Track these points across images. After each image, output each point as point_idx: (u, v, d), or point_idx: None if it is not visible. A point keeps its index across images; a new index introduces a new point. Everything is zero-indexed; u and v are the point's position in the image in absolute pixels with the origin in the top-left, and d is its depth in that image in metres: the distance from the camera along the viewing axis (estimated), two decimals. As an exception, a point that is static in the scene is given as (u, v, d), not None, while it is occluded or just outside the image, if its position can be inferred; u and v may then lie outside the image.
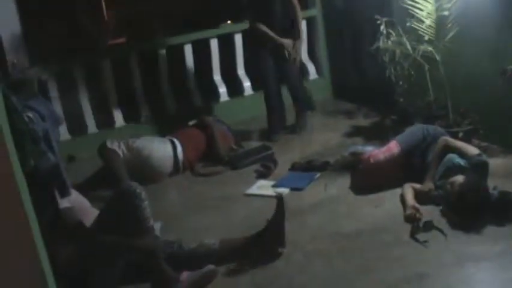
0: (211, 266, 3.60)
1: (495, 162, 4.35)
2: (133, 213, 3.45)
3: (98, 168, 5.34)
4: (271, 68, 6.15)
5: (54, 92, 6.24)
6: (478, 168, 4.06)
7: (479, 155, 4.16)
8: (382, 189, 4.51)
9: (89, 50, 7.36)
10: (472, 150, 4.24)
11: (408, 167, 4.53)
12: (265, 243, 3.81)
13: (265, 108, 6.30)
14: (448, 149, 4.32)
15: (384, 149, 4.66)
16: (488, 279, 3.34)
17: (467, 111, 5.05)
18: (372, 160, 4.60)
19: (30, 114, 3.36)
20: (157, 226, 4.06)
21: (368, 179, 4.62)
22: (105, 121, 6.65)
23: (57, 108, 6.07)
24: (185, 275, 3.53)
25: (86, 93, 6.52)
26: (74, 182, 4.62)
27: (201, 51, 6.91)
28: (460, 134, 4.72)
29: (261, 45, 6.10)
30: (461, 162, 4.17)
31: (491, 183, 4.04)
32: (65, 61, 6.51)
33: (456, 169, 4.14)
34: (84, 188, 4.43)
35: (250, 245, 3.83)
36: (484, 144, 4.75)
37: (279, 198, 3.97)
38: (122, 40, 9.48)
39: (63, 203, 3.44)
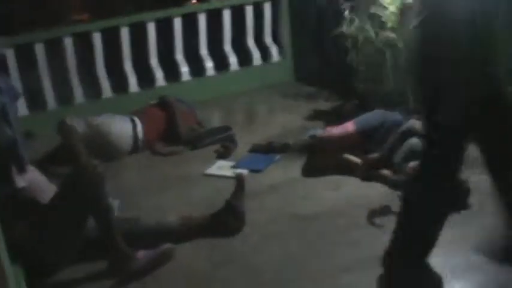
0: (168, 245, 3.60)
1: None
2: (91, 191, 3.43)
3: (57, 144, 5.29)
4: None
5: (13, 67, 6.14)
6: None
7: None
8: (340, 173, 4.55)
9: (51, 25, 7.23)
10: None
11: (365, 152, 4.58)
12: (224, 222, 3.84)
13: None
14: (413, 132, 4.38)
15: (340, 126, 4.74)
16: (438, 264, 3.39)
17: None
18: (325, 134, 4.68)
19: (-12, 88, 3.32)
20: (115, 204, 4.04)
21: (322, 154, 4.71)
22: (65, 97, 6.56)
23: (16, 83, 5.97)
24: (142, 253, 3.53)
25: (47, 68, 6.43)
26: (32, 158, 4.57)
27: (165, 30, 6.85)
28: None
29: None
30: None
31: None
32: (25, 35, 6.41)
33: (417, 155, 4.19)
34: (42, 165, 4.38)
35: (209, 223, 3.85)
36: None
37: (239, 177, 4.00)
38: (84, 16, 9.36)
39: (20, 182, 3.41)
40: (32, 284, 3.35)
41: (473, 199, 3.94)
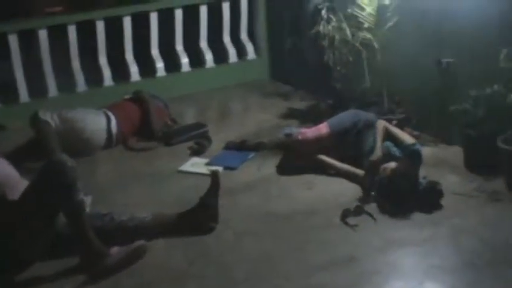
0: (141, 242, 3.58)
1: (425, 152, 4.45)
2: (64, 186, 3.38)
3: (29, 138, 5.23)
4: None
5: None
6: (412, 157, 4.18)
7: (413, 144, 4.28)
8: (315, 172, 4.57)
9: (25, 16, 7.12)
10: (408, 139, 4.36)
11: (340, 153, 4.59)
12: (198, 219, 3.82)
13: None
14: (386, 132, 4.43)
15: (314, 128, 4.74)
16: (412, 264, 3.44)
17: (402, 100, 5.15)
18: (300, 137, 4.68)
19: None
20: (87, 200, 4.01)
21: (296, 156, 4.71)
22: (38, 90, 6.48)
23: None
24: (115, 250, 3.51)
25: (20, 60, 6.34)
26: (3, 151, 4.51)
27: (141, 24, 6.81)
28: (394, 122, 4.80)
29: None
30: (397, 152, 4.28)
31: (421, 172, 4.14)
32: (-1, 25, 6.31)
33: (390, 158, 4.24)
34: (14, 159, 4.31)
35: (183, 220, 3.83)
36: (415, 133, 4.84)
37: (214, 174, 3.98)
38: (59, 9, 9.24)
39: None
40: (1, 280, 3.31)
41: (445, 200, 3.98)
